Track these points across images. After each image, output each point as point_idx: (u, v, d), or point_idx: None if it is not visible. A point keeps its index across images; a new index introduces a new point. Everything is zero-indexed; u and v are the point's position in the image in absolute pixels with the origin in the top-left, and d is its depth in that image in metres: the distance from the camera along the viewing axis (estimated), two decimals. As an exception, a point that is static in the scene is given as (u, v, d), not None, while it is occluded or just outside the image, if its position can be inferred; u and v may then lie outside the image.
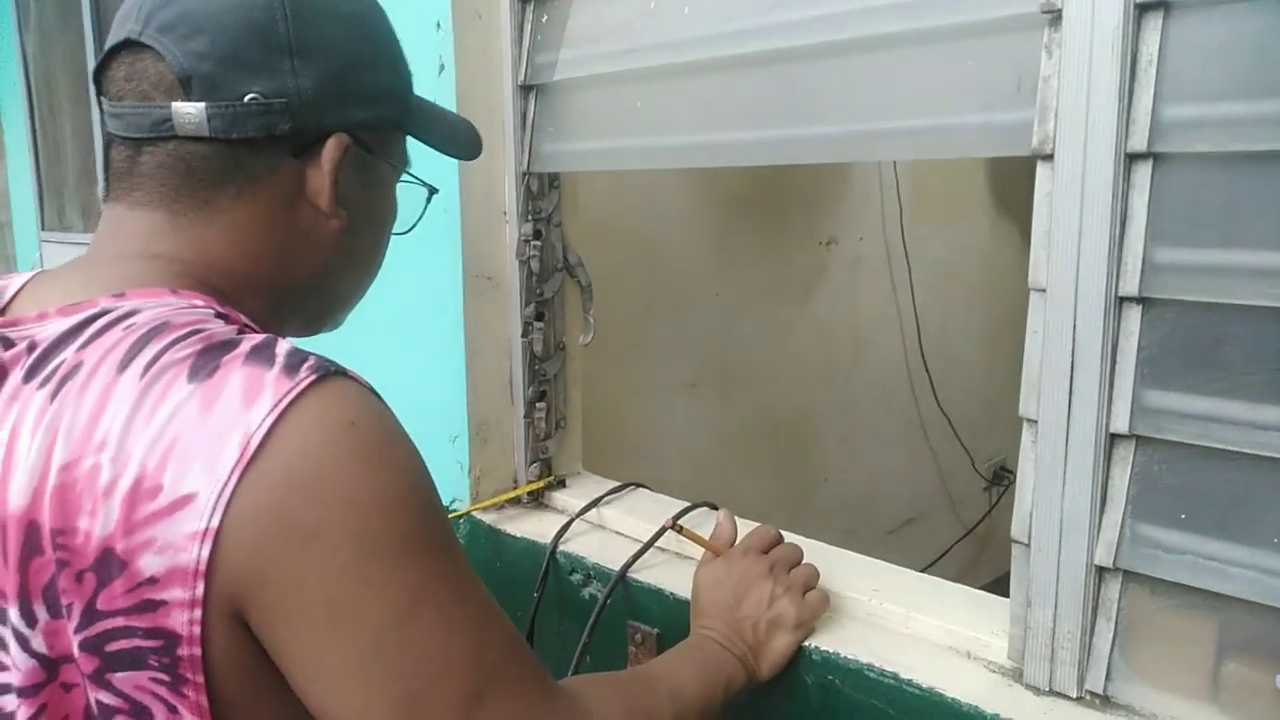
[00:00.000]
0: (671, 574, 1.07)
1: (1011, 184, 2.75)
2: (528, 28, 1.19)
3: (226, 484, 0.54)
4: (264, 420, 0.55)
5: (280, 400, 0.56)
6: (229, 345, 0.59)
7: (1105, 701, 0.79)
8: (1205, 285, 0.71)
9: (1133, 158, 0.73)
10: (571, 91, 1.17)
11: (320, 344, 1.62)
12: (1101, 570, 0.78)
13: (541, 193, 1.24)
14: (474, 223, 1.23)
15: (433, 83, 1.20)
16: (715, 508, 1.19)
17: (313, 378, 0.57)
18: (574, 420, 1.35)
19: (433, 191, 0.84)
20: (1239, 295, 0.70)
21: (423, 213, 0.85)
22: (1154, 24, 0.71)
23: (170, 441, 0.55)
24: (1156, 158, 0.72)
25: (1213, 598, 0.73)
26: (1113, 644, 0.78)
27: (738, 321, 2.07)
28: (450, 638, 0.59)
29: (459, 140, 0.85)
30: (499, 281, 1.26)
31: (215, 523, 0.54)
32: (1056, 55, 0.75)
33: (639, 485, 1.29)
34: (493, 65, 1.21)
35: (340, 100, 0.70)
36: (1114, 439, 0.77)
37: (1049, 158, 0.76)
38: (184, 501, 0.55)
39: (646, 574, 1.07)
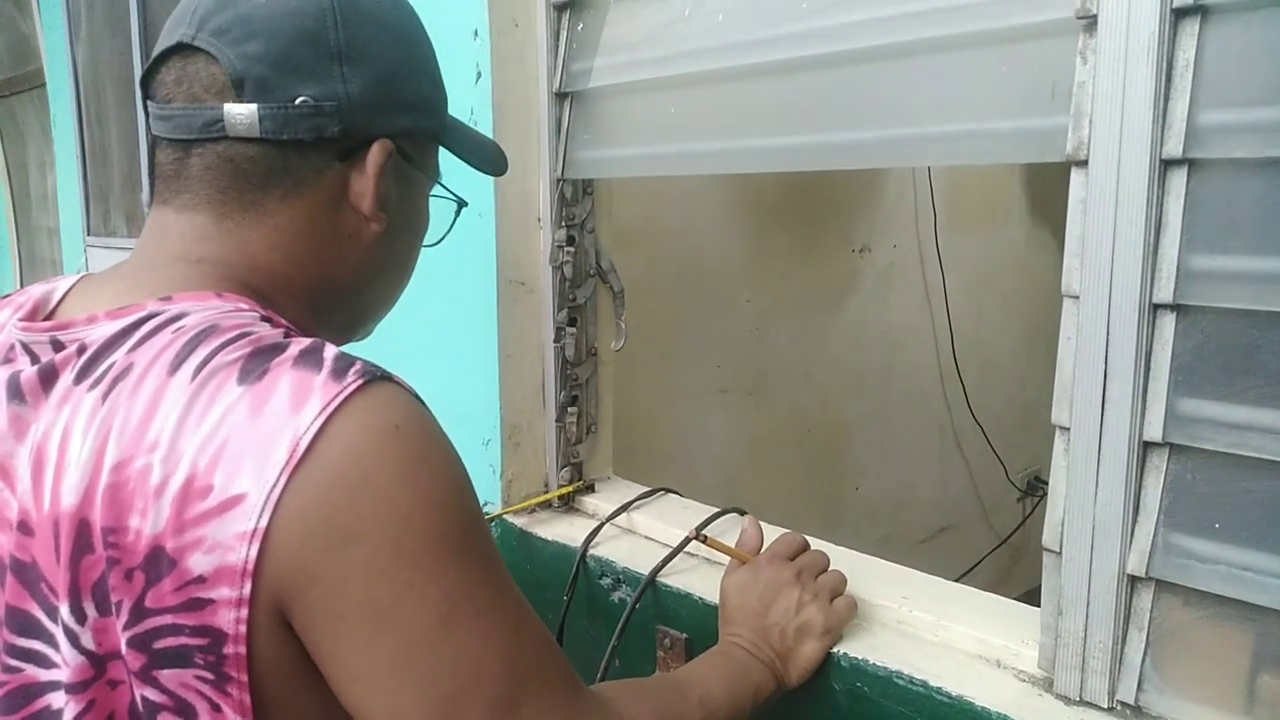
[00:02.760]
0: (701, 579, 1.07)
1: (1046, 190, 2.73)
2: (563, 35, 1.20)
3: (275, 485, 0.55)
4: (312, 423, 0.56)
5: (328, 404, 0.57)
6: (277, 349, 0.60)
7: (1137, 712, 0.79)
8: (1241, 292, 0.70)
9: (1168, 164, 0.72)
10: (606, 98, 1.18)
11: (353, 349, 1.64)
12: (1134, 579, 0.77)
13: (575, 199, 1.25)
14: (508, 228, 1.24)
15: (469, 90, 1.21)
16: (744, 513, 1.19)
17: (360, 382, 0.58)
18: (605, 425, 1.36)
19: (462, 204, 0.85)
20: (1275, 302, 0.69)
21: (452, 224, 0.86)
22: (1190, 29, 0.71)
23: (221, 443, 0.56)
24: (1192, 164, 0.72)
25: (1247, 608, 0.73)
26: (1145, 654, 0.78)
27: (770, 328, 2.07)
28: (487, 642, 0.60)
29: (488, 156, 0.87)
30: (532, 287, 1.28)
31: (264, 523, 0.55)
32: (1091, 61, 0.75)
33: (669, 490, 1.30)
34: (528, 72, 1.23)
35: (385, 107, 0.71)
36: (1147, 447, 0.76)
37: (1083, 164, 0.76)
38: (234, 502, 0.56)
39: (675, 579, 1.08)
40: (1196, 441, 0.74)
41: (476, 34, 1.20)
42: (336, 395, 0.57)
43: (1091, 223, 0.76)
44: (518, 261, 1.26)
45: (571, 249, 1.25)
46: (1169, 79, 0.71)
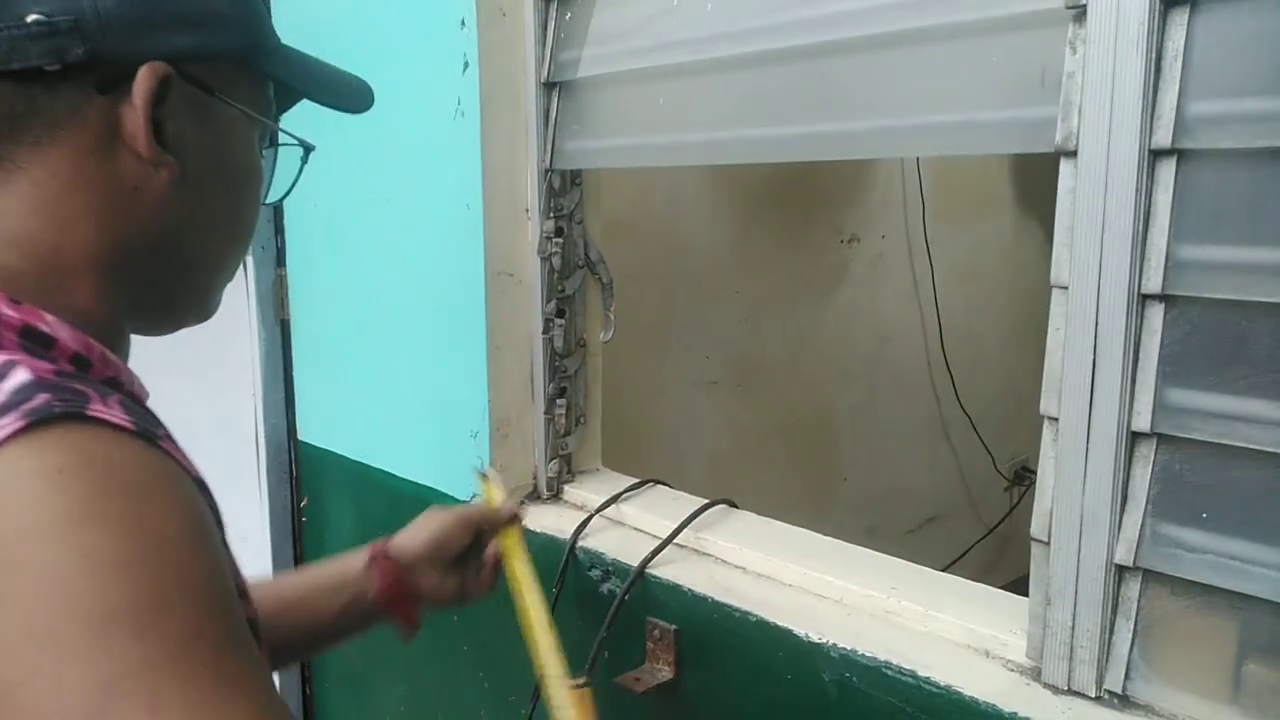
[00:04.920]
0: (690, 570, 1.07)
1: (1035, 181, 2.73)
2: (551, 25, 1.19)
3: None
4: None
5: None
6: None
7: (1124, 701, 0.79)
8: (1229, 282, 0.71)
9: (1157, 154, 0.72)
10: (594, 89, 1.17)
11: (341, 342, 1.63)
12: (1121, 569, 0.78)
13: (564, 190, 1.25)
14: (496, 219, 1.23)
15: (457, 80, 1.21)
16: (734, 505, 1.19)
17: (21, 424, 0.45)
18: (594, 417, 1.36)
19: (308, 149, 0.73)
20: (1263, 292, 0.69)
21: (298, 175, 0.74)
22: (1179, 19, 0.71)
23: None
24: (1181, 154, 0.72)
25: (1234, 597, 0.73)
26: (1132, 643, 0.78)
27: (759, 319, 2.07)
28: None
29: (337, 89, 0.73)
30: (521, 278, 1.27)
31: None
32: (1081, 51, 0.75)
33: (658, 482, 1.30)
34: (516, 63, 1.22)
35: (153, 22, 0.58)
36: (1135, 437, 0.76)
37: (1072, 154, 0.76)
38: None
39: (665, 570, 1.08)
40: (1184, 431, 0.74)
41: (464, 23, 1.19)
42: None
43: (1080, 213, 0.76)
44: (506, 253, 1.25)
45: (560, 240, 1.24)
46: (1158, 69, 0.71)
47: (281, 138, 0.72)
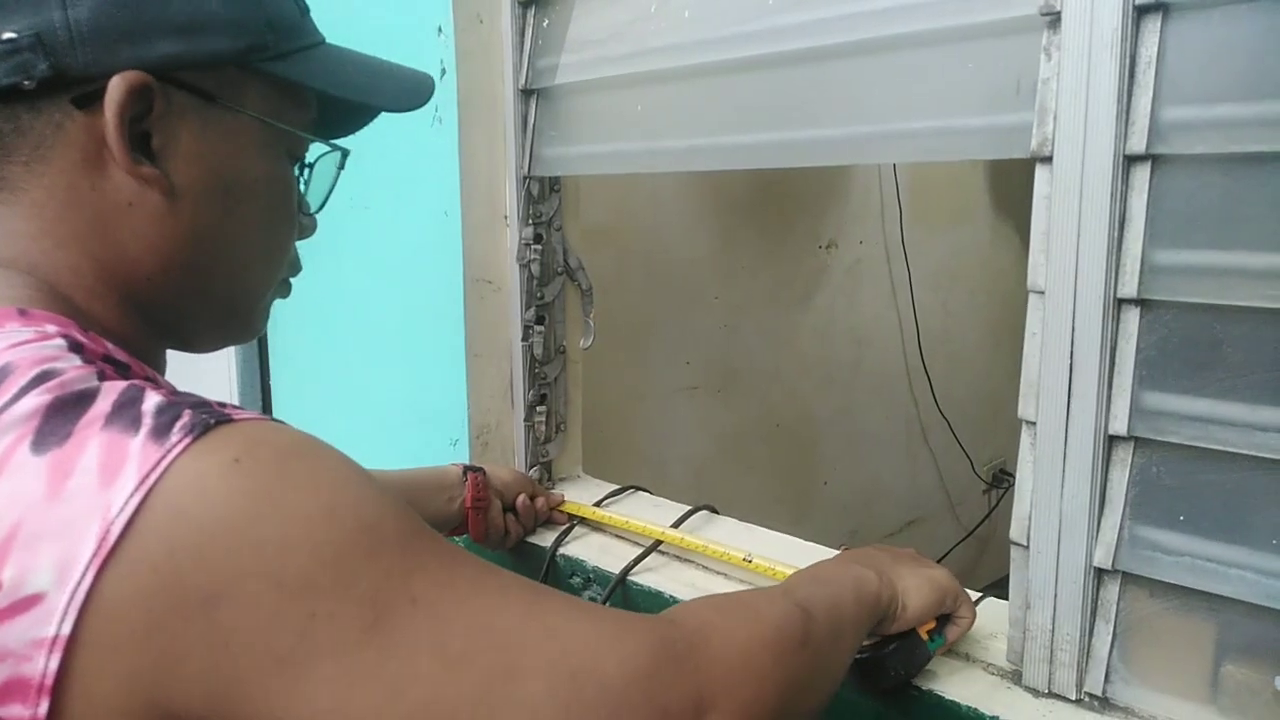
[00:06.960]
0: (671, 577, 1.07)
1: (1010, 186, 2.76)
2: (528, 32, 1.19)
3: (81, 583, 0.44)
4: (127, 501, 0.45)
5: (147, 475, 0.46)
6: (84, 400, 0.49)
7: (1104, 703, 0.79)
8: (1204, 287, 0.71)
9: (1131, 159, 0.73)
10: (572, 95, 1.17)
11: (319, 350, 1.62)
12: (1100, 572, 0.78)
13: (542, 196, 1.24)
14: (474, 226, 1.23)
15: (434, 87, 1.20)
16: (715, 511, 1.19)
17: (186, 441, 0.47)
18: (574, 423, 1.35)
19: (344, 155, 0.72)
20: (1238, 297, 0.70)
21: (333, 183, 0.73)
22: (1153, 26, 0.71)
23: (11, 527, 0.45)
24: (1155, 159, 0.72)
25: (1211, 599, 0.74)
26: (1111, 646, 0.78)
27: (739, 324, 2.07)
28: (441, 629, 0.50)
29: (373, 88, 0.70)
30: (499, 285, 1.27)
31: (67, 629, 0.44)
32: (1056, 58, 0.75)
33: (639, 488, 1.29)
34: (494, 69, 1.22)
35: (132, 32, 0.57)
36: (1112, 440, 0.77)
37: (1048, 160, 0.76)
38: (29, 603, 0.45)
39: (646, 576, 1.07)
40: (1161, 435, 0.74)
41: (440, 30, 1.19)
42: (158, 463, 0.46)
43: (1056, 218, 0.76)
44: (484, 260, 1.25)
45: (539, 247, 1.24)
46: (1132, 75, 0.72)
47: (311, 145, 0.69)
